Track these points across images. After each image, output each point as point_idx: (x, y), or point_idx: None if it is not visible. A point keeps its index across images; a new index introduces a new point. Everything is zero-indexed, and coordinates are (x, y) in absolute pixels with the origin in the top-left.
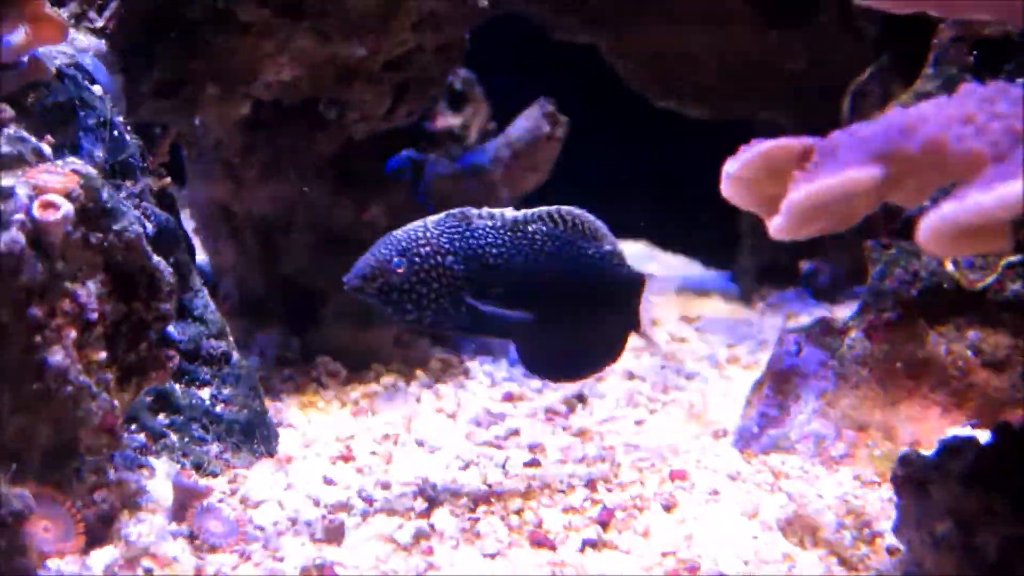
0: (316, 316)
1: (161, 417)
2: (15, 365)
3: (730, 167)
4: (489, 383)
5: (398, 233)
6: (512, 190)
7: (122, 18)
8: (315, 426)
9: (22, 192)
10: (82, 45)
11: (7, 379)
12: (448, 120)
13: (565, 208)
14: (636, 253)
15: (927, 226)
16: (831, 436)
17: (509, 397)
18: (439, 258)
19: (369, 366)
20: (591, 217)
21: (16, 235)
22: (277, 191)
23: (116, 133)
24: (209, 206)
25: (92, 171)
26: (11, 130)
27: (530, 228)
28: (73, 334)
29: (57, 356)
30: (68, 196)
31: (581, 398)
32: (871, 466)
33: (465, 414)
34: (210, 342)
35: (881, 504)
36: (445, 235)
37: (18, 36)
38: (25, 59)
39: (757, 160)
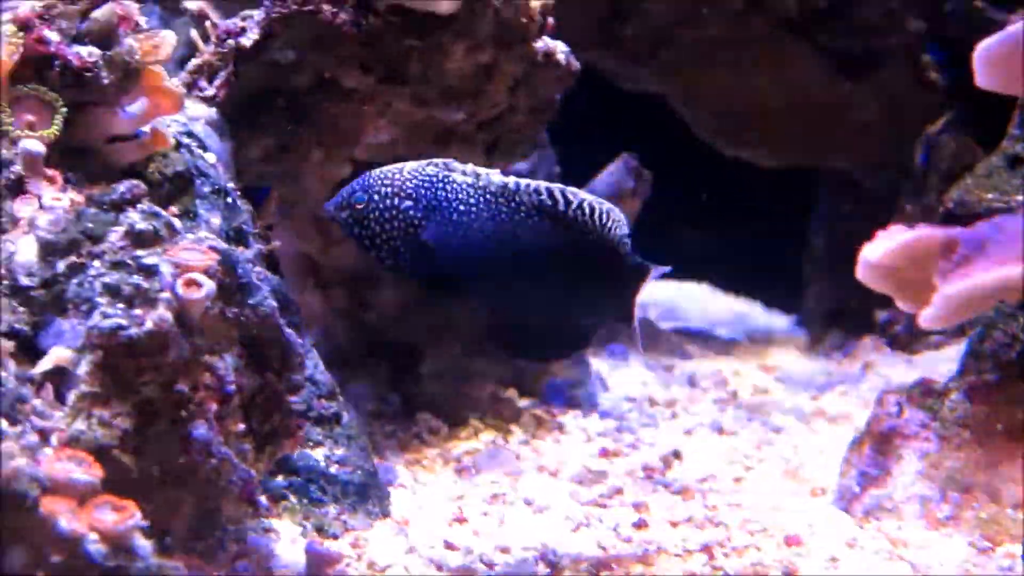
0: (414, 371)
1: (280, 479)
2: (162, 439)
3: (870, 254)
4: (584, 438)
5: (376, 170)
6: None
7: (232, 86)
8: (423, 485)
9: (166, 270)
10: (194, 113)
11: (155, 453)
12: (516, 166)
13: (573, 190)
14: (697, 294)
15: None
16: (936, 498)
17: (605, 453)
18: (396, 200)
19: (467, 421)
20: (607, 205)
21: (164, 314)
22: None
23: (230, 200)
24: (297, 259)
25: (228, 247)
26: (144, 205)
27: (521, 198)
28: (214, 407)
29: (201, 429)
30: (207, 273)
31: (677, 454)
32: (978, 529)
33: (566, 471)
34: (321, 403)
35: (999, 572)
36: (414, 180)
37: (138, 107)
38: (147, 130)
39: (899, 250)
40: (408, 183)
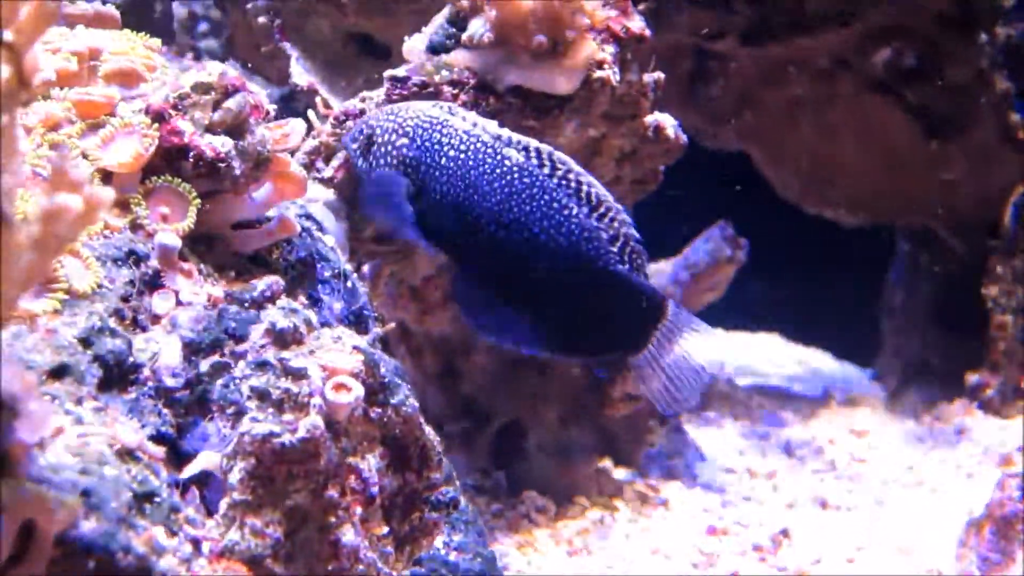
0: (518, 446)
1: (405, 573)
2: (312, 546)
3: None
4: (689, 514)
5: (388, 106)
6: (689, 308)
7: (349, 168)
8: (537, 569)
9: (315, 374)
10: (312, 195)
11: (304, 560)
12: None
13: (560, 155)
14: (769, 345)
15: None
16: None
17: (713, 531)
18: (395, 136)
19: (573, 499)
20: (606, 195)
21: (316, 420)
22: (459, 315)
23: (350, 284)
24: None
25: (369, 347)
26: (283, 302)
27: (504, 152)
28: (360, 511)
29: (349, 535)
30: (354, 375)
31: (786, 533)
32: None
33: (678, 553)
34: (439, 488)
35: None
36: (414, 120)
37: (264, 193)
38: (274, 215)
39: None
40: (408, 121)
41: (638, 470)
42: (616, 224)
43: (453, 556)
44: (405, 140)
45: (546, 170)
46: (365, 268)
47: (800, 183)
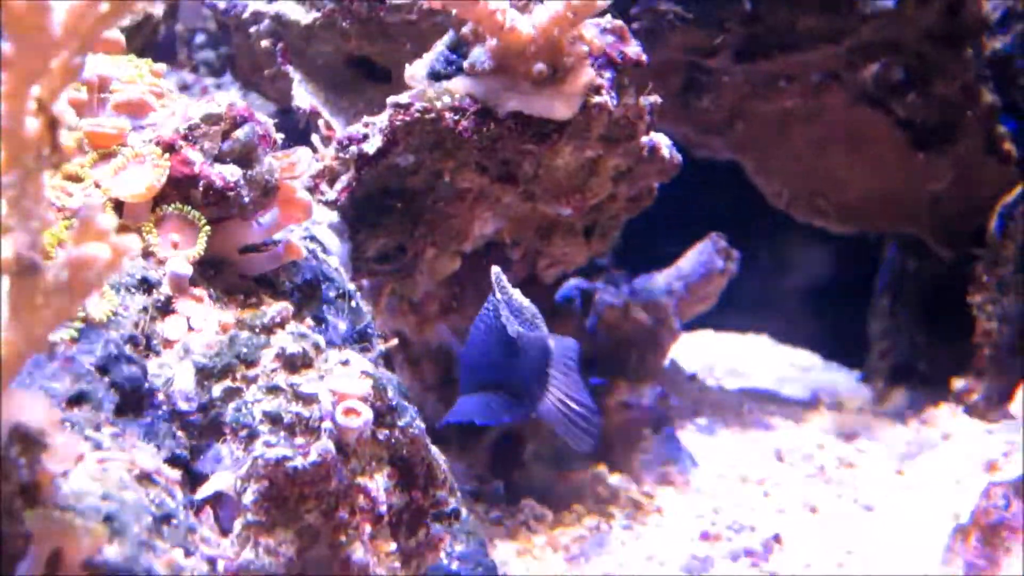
0: (516, 456)
1: None
2: (323, 564)
3: None
4: (683, 520)
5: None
6: (682, 318)
7: (353, 191)
8: (535, 574)
9: (325, 399)
10: (316, 218)
11: None
12: None
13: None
14: (758, 347)
15: None
16: None
17: (706, 536)
18: None
19: (569, 506)
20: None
21: (327, 444)
22: (457, 325)
23: (354, 304)
24: (385, 334)
25: (378, 371)
26: (292, 327)
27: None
28: (369, 529)
29: (359, 553)
30: (364, 399)
31: (778, 539)
32: None
33: (673, 559)
34: (445, 504)
35: None
36: None
37: (271, 218)
38: (281, 239)
39: None
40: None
41: (633, 477)
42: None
43: (455, 566)
44: None
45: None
46: (364, 282)
47: (790, 193)
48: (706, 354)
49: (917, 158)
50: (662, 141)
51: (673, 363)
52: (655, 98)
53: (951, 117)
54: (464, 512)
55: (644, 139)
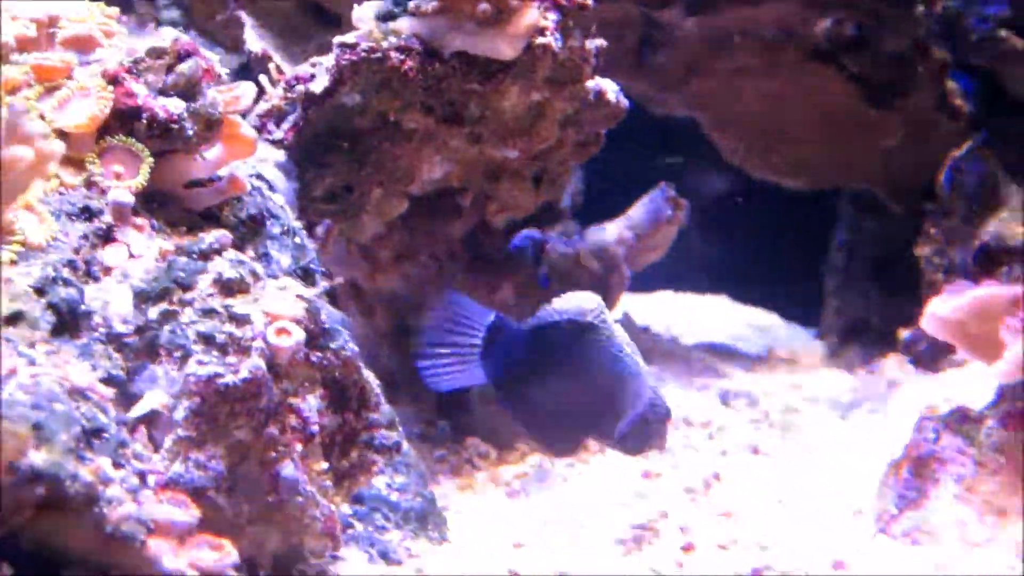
0: (462, 397)
1: (345, 508)
2: (253, 479)
3: (940, 310)
4: (626, 461)
5: None
6: (632, 268)
7: (300, 130)
8: (476, 509)
9: (258, 320)
10: (263, 156)
11: (245, 491)
12: None
13: None
14: (718, 307)
15: None
16: (972, 521)
17: (648, 475)
18: None
19: (514, 445)
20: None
21: (258, 362)
22: (410, 272)
23: (298, 240)
24: (342, 285)
25: (312, 295)
26: (230, 254)
27: None
28: (300, 447)
29: (288, 469)
30: (296, 321)
31: (717, 476)
32: (1014, 551)
33: (612, 494)
34: (382, 432)
35: None
36: None
37: (215, 153)
38: (223, 174)
39: (968, 306)
40: None
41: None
42: None
43: (395, 496)
44: None
45: None
46: (319, 230)
47: (745, 148)
48: (665, 313)
49: (869, 114)
50: (608, 86)
51: (626, 316)
52: (601, 41)
53: (902, 73)
54: (406, 446)
55: (590, 83)
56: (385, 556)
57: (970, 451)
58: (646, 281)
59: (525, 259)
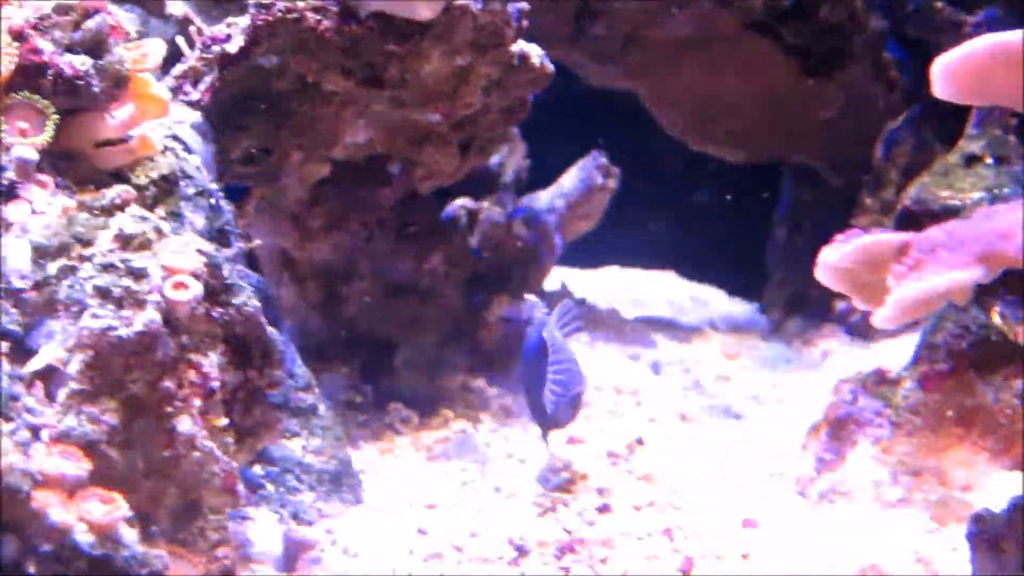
0: (387, 364)
1: (257, 468)
2: (148, 434)
3: (829, 257)
4: None
5: None
6: (564, 237)
7: (216, 91)
8: (396, 473)
9: (154, 273)
10: (179, 117)
11: (140, 446)
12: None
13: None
14: (663, 282)
15: None
16: (888, 481)
17: (572, 440)
18: None
19: (439, 411)
20: None
21: (153, 315)
22: (340, 241)
23: (213, 201)
24: (272, 253)
25: (214, 250)
26: (133, 210)
27: None
28: (199, 402)
29: (185, 424)
30: (195, 275)
31: (640, 441)
32: (927, 511)
33: (534, 459)
34: (298, 395)
35: (945, 552)
36: None
37: (126, 113)
38: (134, 134)
39: (856, 253)
40: None
41: (509, 387)
42: None
43: (309, 458)
44: None
45: None
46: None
47: (683, 121)
48: (608, 287)
49: (807, 85)
50: (532, 50)
51: (563, 286)
52: (523, 4)
53: (839, 44)
54: (322, 409)
55: (513, 47)
56: (296, 517)
57: (887, 412)
58: (593, 257)
59: (457, 229)
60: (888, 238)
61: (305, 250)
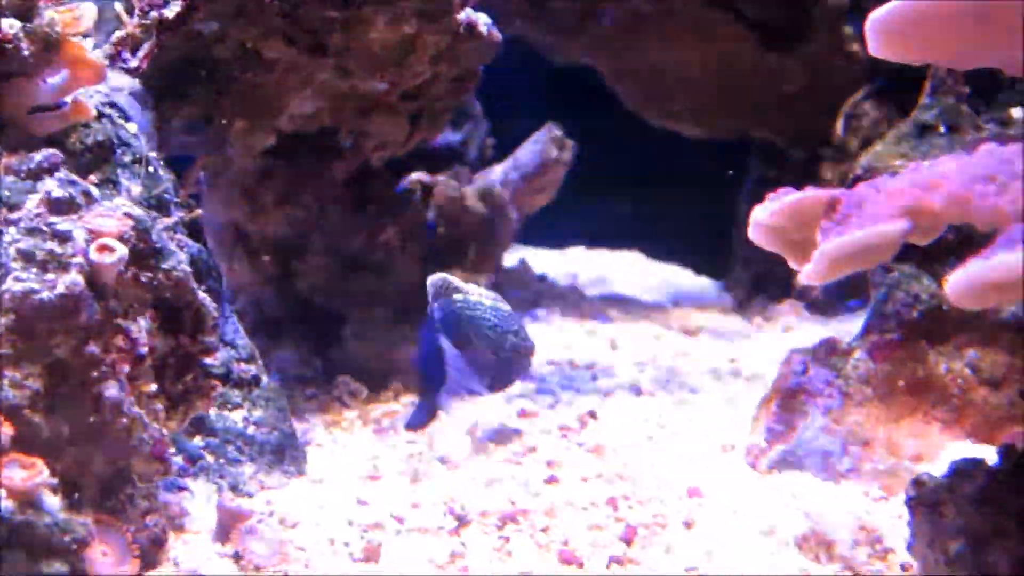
0: (336, 336)
1: (197, 440)
2: (73, 399)
3: (759, 215)
4: (504, 400)
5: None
6: (520, 211)
7: (155, 58)
8: (341, 445)
9: (79, 236)
10: (116, 84)
11: (65, 411)
12: (448, 136)
13: None
14: (628, 262)
15: (957, 285)
16: (837, 452)
17: (524, 413)
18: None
19: (388, 385)
20: None
21: (76, 278)
22: (293, 214)
23: (152, 169)
24: (225, 228)
25: (143, 213)
26: (62, 174)
27: None
28: (126, 368)
29: (112, 390)
30: (121, 238)
31: (593, 414)
32: (876, 480)
33: (483, 431)
34: (240, 366)
35: (890, 520)
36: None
37: (59, 79)
38: (68, 100)
39: (786, 210)
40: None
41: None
42: None
43: (251, 430)
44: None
45: None
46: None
47: (643, 96)
48: (573, 267)
49: (767, 60)
50: (480, 18)
51: (523, 262)
52: None
53: (799, 18)
54: (265, 380)
55: (460, 15)
56: (235, 488)
57: (837, 383)
58: (558, 237)
59: (412, 202)
60: (818, 194)
61: (258, 224)
